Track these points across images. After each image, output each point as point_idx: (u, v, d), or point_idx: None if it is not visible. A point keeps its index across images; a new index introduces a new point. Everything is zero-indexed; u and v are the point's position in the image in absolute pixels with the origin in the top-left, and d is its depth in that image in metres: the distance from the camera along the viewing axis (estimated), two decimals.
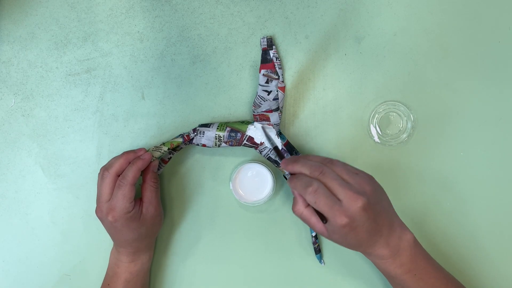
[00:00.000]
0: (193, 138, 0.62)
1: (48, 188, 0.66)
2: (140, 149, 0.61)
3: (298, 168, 0.55)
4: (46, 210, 0.67)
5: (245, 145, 0.63)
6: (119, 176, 0.58)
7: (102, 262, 0.64)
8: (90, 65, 0.66)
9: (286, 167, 0.56)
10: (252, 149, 0.65)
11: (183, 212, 0.67)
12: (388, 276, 0.57)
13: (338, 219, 0.51)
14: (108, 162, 0.59)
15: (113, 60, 0.66)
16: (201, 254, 0.67)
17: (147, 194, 0.60)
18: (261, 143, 0.63)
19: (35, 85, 0.66)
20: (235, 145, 0.63)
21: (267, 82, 0.58)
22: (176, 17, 0.65)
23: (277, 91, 0.58)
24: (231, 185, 0.63)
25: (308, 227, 0.66)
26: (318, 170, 0.53)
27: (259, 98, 0.60)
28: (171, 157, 0.64)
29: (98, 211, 0.58)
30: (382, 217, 0.53)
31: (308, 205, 0.55)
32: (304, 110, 0.66)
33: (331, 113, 0.66)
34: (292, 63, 0.65)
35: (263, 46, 0.63)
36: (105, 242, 0.65)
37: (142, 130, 0.66)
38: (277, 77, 0.57)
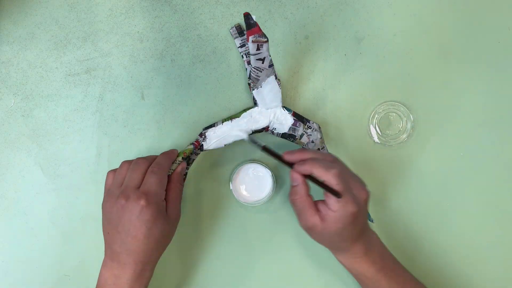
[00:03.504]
0: (202, 145, 0.61)
1: (47, 188, 0.66)
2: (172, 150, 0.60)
3: (309, 155, 0.56)
4: (46, 210, 0.66)
5: (255, 131, 0.61)
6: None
7: (101, 262, 0.64)
8: (90, 65, 0.66)
9: (292, 156, 0.56)
10: (252, 149, 0.65)
11: (181, 212, 0.66)
12: (363, 277, 0.58)
13: (350, 205, 0.52)
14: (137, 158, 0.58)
15: (112, 61, 0.65)
16: (200, 254, 0.67)
17: (171, 194, 0.57)
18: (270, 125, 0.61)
19: (34, 85, 0.66)
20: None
21: (258, 48, 0.54)
22: (176, 17, 0.65)
23: (269, 55, 0.56)
24: (231, 185, 0.63)
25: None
26: (330, 159, 0.55)
27: (255, 70, 0.57)
28: (186, 173, 0.62)
29: (123, 197, 0.53)
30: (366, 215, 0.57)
31: (308, 195, 0.55)
32: (304, 111, 0.65)
33: (331, 113, 0.66)
34: (292, 63, 0.65)
35: (243, 20, 0.56)
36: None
37: (141, 131, 0.66)
38: (266, 39, 0.53)
